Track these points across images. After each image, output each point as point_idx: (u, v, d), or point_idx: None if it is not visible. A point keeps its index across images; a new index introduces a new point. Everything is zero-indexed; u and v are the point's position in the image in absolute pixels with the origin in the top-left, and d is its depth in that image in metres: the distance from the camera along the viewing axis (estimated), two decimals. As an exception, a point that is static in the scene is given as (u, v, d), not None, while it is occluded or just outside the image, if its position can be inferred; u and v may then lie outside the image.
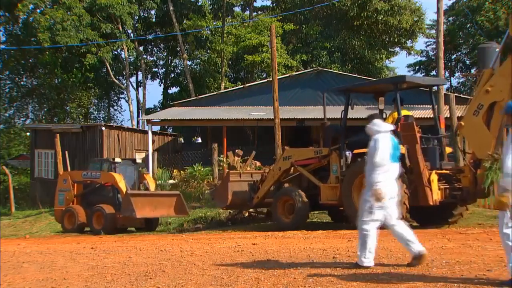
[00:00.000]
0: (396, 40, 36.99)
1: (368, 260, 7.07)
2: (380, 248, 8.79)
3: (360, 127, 9.38)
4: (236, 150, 19.27)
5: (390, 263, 7.44)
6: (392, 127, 7.51)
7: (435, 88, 18.98)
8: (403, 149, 11.41)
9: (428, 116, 20.52)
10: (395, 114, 12.29)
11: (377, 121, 7.35)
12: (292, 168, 13.92)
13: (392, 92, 12.63)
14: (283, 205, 13.51)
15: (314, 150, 13.78)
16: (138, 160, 19.28)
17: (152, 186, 17.87)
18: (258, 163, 20.49)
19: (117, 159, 18.38)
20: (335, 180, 12.74)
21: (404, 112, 12.39)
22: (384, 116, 13.06)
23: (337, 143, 12.90)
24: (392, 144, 7.23)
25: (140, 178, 18.07)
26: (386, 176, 7.01)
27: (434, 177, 11.53)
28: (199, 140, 25.42)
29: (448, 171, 12.15)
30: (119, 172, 17.39)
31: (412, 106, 22.22)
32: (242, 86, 28.88)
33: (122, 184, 16.85)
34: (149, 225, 17.32)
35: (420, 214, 12.30)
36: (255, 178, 15.07)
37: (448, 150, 12.90)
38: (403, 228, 7.06)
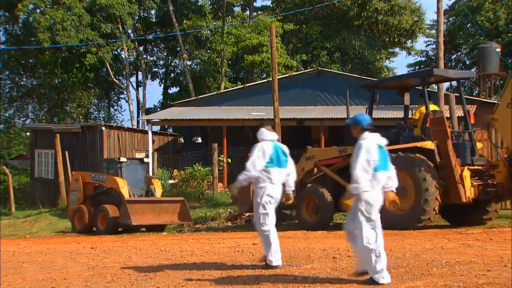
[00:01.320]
0: (396, 40, 37.00)
1: (276, 259, 7.45)
2: (380, 248, 8.79)
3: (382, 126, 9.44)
4: None
5: (390, 263, 7.44)
6: (276, 136, 7.98)
7: (435, 88, 18.98)
8: (431, 145, 11.32)
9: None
10: (423, 109, 11.96)
11: (263, 130, 7.83)
12: (315, 168, 13.55)
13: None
14: (307, 205, 13.23)
15: (338, 149, 13.33)
16: (146, 160, 18.89)
17: (158, 193, 17.63)
18: None
19: (123, 159, 18.19)
20: None
21: (431, 107, 12.08)
22: (410, 112, 12.88)
23: None
24: (274, 151, 7.74)
25: (148, 180, 17.85)
26: (272, 181, 7.61)
27: (466, 173, 11.19)
28: (199, 140, 25.38)
29: (480, 167, 11.74)
30: (126, 172, 17.23)
31: (411, 106, 22.22)
32: (242, 86, 28.87)
33: (124, 190, 16.69)
34: (159, 225, 17.03)
35: (451, 213, 11.97)
36: None
37: (479, 145, 12.49)
38: (274, 234, 7.51)
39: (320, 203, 12.88)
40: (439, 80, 13.61)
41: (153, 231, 16.67)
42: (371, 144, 6.26)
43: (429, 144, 11.46)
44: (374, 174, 6.20)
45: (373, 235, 6.20)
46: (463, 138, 12.29)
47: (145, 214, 16.20)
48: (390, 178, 6.39)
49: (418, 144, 11.54)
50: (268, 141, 7.78)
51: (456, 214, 11.99)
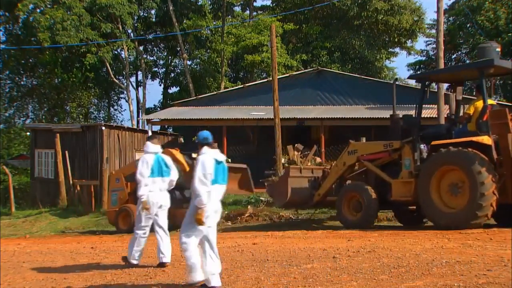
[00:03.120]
0: (396, 40, 37.00)
1: (135, 258, 8.60)
2: (380, 248, 8.80)
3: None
4: (296, 145, 18.00)
5: (390, 263, 7.44)
6: (159, 149, 9.10)
7: (435, 87, 18.93)
8: (488, 140, 10.73)
9: (428, 116, 20.51)
10: (479, 103, 11.29)
11: (148, 143, 9.09)
12: (358, 163, 12.99)
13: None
14: (348, 202, 12.61)
15: (384, 143, 12.65)
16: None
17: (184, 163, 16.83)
18: (318, 159, 19.11)
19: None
20: (408, 175, 11.79)
21: (489, 101, 11.42)
22: (462, 108, 12.28)
23: (407, 136, 11.96)
24: (157, 163, 8.87)
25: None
26: (153, 189, 8.66)
27: None
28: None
29: None
30: None
31: (412, 106, 22.23)
32: (242, 86, 28.86)
33: (180, 157, 15.42)
34: None
35: (502, 213, 11.07)
36: (316, 174, 13.94)
37: None
38: (164, 236, 8.56)
39: (364, 200, 12.22)
40: (500, 72, 12.59)
41: None
42: (207, 159, 6.70)
43: (486, 139, 10.84)
44: (210, 189, 6.65)
45: (195, 251, 6.79)
46: None
47: None
48: (223, 193, 6.95)
49: (474, 138, 10.89)
50: (151, 154, 8.95)
51: (505, 214, 11.12)
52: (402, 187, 11.86)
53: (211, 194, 6.63)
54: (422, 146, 11.77)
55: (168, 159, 9.08)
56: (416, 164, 11.67)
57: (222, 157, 6.92)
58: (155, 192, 8.74)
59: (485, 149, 10.82)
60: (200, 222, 6.61)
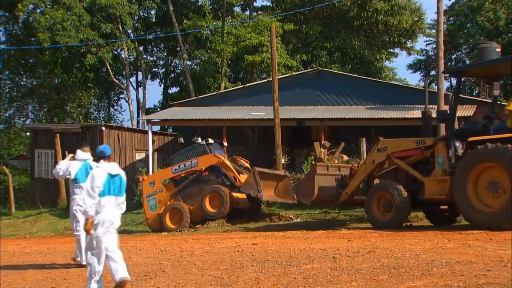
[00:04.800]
0: (396, 40, 36.98)
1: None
2: (380, 248, 8.80)
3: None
4: (323, 142, 17.42)
5: (390, 263, 7.44)
6: (88, 156, 9.53)
7: (435, 87, 18.90)
8: None
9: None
10: None
11: (78, 150, 9.66)
12: (388, 160, 12.59)
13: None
14: (378, 201, 12.23)
15: (416, 140, 12.20)
16: (225, 143, 17.38)
17: (249, 166, 16.48)
18: (345, 157, 18.66)
19: (210, 140, 16.66)
20: (442, 173, 11.38)
21: None
22: (495, 112, 11.84)
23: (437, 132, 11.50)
24: (84, 169, 9.28)
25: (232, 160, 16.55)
26: (78, 193, 8.65)
27: None
28: (199, 140, 25.39)
29: None
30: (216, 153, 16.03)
31: (411, 106, 22.25)
32: (242, 86, 28.84)
33: (227, 161, 15.41)
34: (254, 209, 16.05)
35: None
36: (343, 172, 13.59)
37: None
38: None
39: (394, 199, 11.82)
40: None
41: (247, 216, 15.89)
42: (97, 172, 7.13)
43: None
44: (99, 199, 7.03)
45: (94, 259, 7.05)
46: None
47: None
48: (119, 204, 7.28)
49: None
50: (79, 161, 9.39)
51: None
52: (436, 186, 11.48)
53: (101, 205, 7.04)
54: (457, 143, 11.35)
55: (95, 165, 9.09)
56: (450, 161, 11.30)
57: (117, 170, 7.28)
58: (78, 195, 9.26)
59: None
60: (88, 232, 7.04)
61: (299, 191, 14.40)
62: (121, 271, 7.08)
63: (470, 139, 10.95)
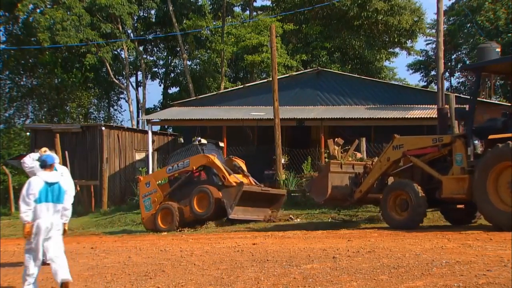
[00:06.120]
0: (396, 40, 36.99)
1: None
2: (380, 248, 8.80)
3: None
4: (336, 139, 17.29)
5: (390, 263, 7.44)
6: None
7: (434, 87, 18.87)
8: None
9: (427, 117, 20.51)
10: None
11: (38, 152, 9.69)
12: (403, 158, 12.31)
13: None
14: (394, 200, 11.96)
15: (433, 138, 12.01)
16: (221, 143, 17.30)
17: (243, 166, 16.31)
18: (359, 155, 18.34)
19: (203, 140, 16.56)
20: (460, 171, 11.13)
21: None
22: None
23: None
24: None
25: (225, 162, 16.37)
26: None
27: None
28: (199, 139, 25.39)
29: None
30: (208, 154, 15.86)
31: (411, 106, 22.24)
32: (242, 86, 28.83)
33: (218, 162, 15.25)
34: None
35: None
36: (357, 170, 13.32)
37: None
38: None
39: (411, 198, 11.57)
40: None
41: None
42: (34, 180, 7.51)
43: None
44: (35, 206, 7.36)
45: (30, 262, 7.34)
46: None
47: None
48: (58, 211, 7.58)
49: None
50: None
51: None
52: (454, 184, 11.23)
53: (38, 212, 7.38)
54: (476, 141, 11.12)
55: (61, 169, 9.67)
56: (469, 159, 11.05)
57: (56, 179, 7.71)
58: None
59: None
60: (26, 237, 7.40)
61: (312, 189, 14.15)
62: (61, 273, 7.41)
63: (491, 137, 10.74)
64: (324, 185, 13.08)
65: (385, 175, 12.75)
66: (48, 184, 7.54)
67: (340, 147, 16.85)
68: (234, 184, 15.20)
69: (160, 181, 16.79)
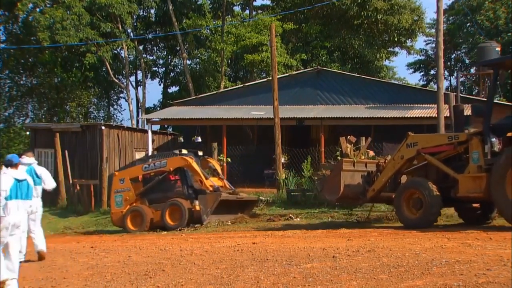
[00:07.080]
0: (396, 39, 36.99)
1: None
2: (380, 247, 8.80)
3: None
4: (349, 137, 17.11)
5: (390, 263, 7.44)
6: (32, 161, 10.37)
7: (434, 87, 18.87)
8: None
9: (427, 116, 20.53)
10: None
11: (23, 156, 10.14)
12: (417, 156, 12.08)
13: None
14: (408, 199, 11.77)
15: (448, 135, 11.86)
16: (200, 153, 17.18)
17: (218, 168, 16.60)
18: (371, 153, 18.09)
19: (184, 151, 16.54)
20: (477, 169, 10.92)
21: None
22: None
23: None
24: (28, 173, 9.35)
25: (203, 166, 16.38)
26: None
27: None
28: (199, 139, 25.36)
29: None
30: None
31: (411, 105, 22.26)
32: (241, 85, 28.85)
33: (195, 166, 15.33)
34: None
35: None
36: (369, 168, 13.15)
37: None
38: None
39: (425, 197, 11.37)
40: None
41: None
42: (3, 178, 7.69)
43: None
44: (6, 203, 7.56)
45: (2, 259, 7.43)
46: None
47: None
48: (26, 208, 7.93)
49: None
50: (24, 165, 9.72)
51: None
52: (471, 183, 10.98)
53: (8, 208, 7.57)
54: (493, 139, 10.87)
55: (40, 169, 10.44)
56: (486, 157, 10.82)
57: (24, 176, 8.05)
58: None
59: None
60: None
61: (324, 187, 13.99)
62: (4, 272, 7.46)
63: (510, 134, 10.57)
64: (336, 184, 12.92)
65: (399, 173, 12.52)
66: (17, 181, 7.81)
67: (352, 144, 16.67)
68: (211, 188, 15.44)
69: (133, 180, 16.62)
